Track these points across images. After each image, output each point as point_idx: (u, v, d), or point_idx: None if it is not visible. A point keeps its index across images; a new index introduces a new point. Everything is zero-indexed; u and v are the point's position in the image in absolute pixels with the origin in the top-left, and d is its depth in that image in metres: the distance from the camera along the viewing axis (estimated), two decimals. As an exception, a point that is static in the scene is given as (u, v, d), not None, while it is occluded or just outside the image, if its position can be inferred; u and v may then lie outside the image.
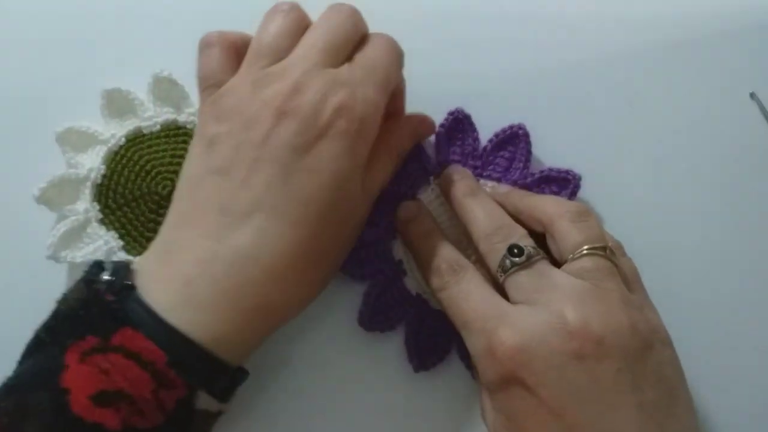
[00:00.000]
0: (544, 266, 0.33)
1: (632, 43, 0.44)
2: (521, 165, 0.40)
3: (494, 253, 0.34)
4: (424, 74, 0.43)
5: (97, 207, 0.41)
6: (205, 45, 0.36)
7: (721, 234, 0.41)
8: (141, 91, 0.42)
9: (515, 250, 0.33)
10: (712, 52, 0.43)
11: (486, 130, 0.42)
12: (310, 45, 0.33)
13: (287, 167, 0.31)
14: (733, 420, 0.39)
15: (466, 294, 0.33)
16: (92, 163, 0.41)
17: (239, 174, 0.31)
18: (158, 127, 0.42)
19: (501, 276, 0.33)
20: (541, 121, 0.41)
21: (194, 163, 0.33)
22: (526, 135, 0.40)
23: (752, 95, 0.42)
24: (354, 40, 0.34)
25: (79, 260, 0.40)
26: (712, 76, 0.43)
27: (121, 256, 0.40)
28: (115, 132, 0.42)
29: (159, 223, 0.40)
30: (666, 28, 0.44)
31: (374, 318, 0.39)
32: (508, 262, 0.33)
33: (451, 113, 0.41)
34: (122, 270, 0.31)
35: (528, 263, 0.33)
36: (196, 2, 0.45)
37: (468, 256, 0.40)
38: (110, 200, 0.41)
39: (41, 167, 0.41)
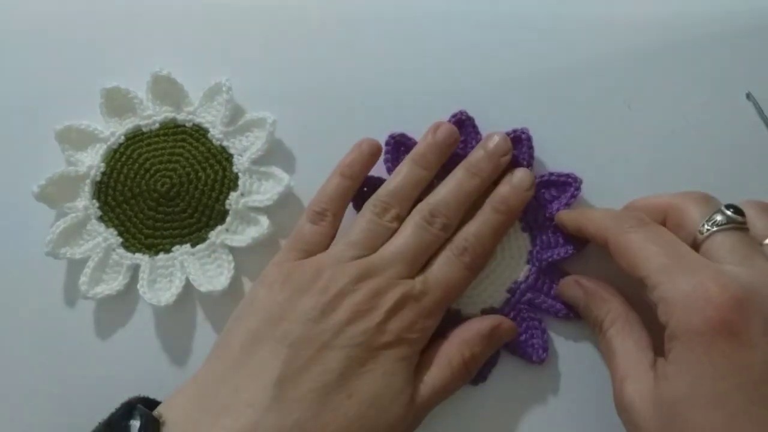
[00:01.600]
0: (749, 235, 0.32)
1: (629, 45, 0.44)
2: None
3: (701, 206, 0.33)
4: (426, 78, 0.44)
5: (97, 204, 0.41)
6: (317, 213, 0.38)
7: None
8: (140, 90, 0.42)
9: (732, 210, 0.32)
10: (709, 53, 0.44)
11: (485, 133, 0.42)
12: (397, 252, 0.36)
13: (349, 362, 0.32)
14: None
15: (657, 237, 0.32)
16: (92, 160, 0.42)
17: (305, 353, 0.32)
18: (157, 125, 0.42)
19: (707, 230, 0.32)
20: (539, 124, 0.41)
21: (257, 318, 0.34)
22: (529, 139, 0.41)
23: (748, 96, 0.43)
24: (434, 249, 0.37)
25: (78, 257, 0.40)
26: (709, 77, 0.43)
27: (121, 252, 0.40)
28: (115, 130, 0.42)
29: (158, 220, 0.41)
30: (662, 30, 0.44)
31: None
32: (721, 218, 0.32)
33: (454, 115, 0.41)
34: (152, 423, 0.31)
35: (742, 226, 0.32)
36: (196, 1, 0.45)
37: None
38: (110, 197, 0.41)
39: (40, 165, 0.41)
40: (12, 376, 0.40)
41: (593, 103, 0.43)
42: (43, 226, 0.40)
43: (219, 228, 0.41)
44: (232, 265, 0.40)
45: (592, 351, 0.39)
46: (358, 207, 0.40)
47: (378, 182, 0.41)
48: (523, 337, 0.39)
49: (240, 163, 0.41)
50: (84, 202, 0.41)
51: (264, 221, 0.40)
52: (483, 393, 0.39)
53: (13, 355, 0.41)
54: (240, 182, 0.41)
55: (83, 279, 0.39)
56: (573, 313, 0.39)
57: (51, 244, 0.39)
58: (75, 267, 0.41)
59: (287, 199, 0.41)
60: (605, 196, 0.41)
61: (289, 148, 0.42)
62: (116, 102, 0.42)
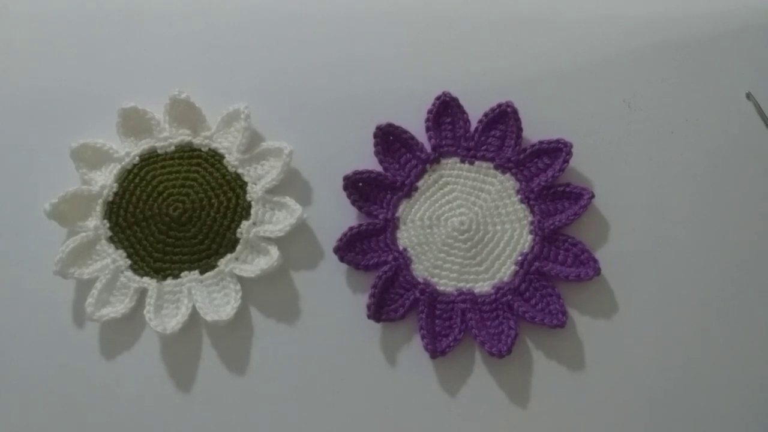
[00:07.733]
0: None
1: (630, 44, 0.43)
2: (513, 142, 0.40)
3: None
4: (423, 78, 0.43)
5: (108, 224, 0.41)
6: None
7: (717, 231, 0.41)
8: (158, 112, 0.42)
9: None
10: (709, 53, 0.43)
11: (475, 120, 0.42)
12: None
13: None
14: (732, 416, 0.39)
15: None
16: (105, 180, 0.41)
17: None
18: (173, 148, 0.42)
19: None
20: (539, 123, 0.41)
21: None
22: (515, 112, 0.40)
23: (748, 95, 0.42)
24: None
25: (86, 277, 0.40)
26: (709, 76, 0.43)
27: (128, 275, 0.40)
28: (130, 150, 0.42)
29: (167, 245, 0.40)
30: (663, 29, 0.44)
31: (383, 309, 0.39)
32: None
33: (438, 98, 0.41)
34: None
35: None
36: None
37: (471, 238, 0.40)
38: (120, 218, 0.41)
39: (54, 182, 0.41)
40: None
41: (593, 102, 0.43)
42: (53, 245, 0.40)
43: (229, 256, 0.40)
44: (240, 294, 0.39)
45: (605, 314, 0.39)
46: (355, 203, 0.40)
47: (372, 176, 0.41)
48: (539, 306, 0.39)
49: (254, 191, 0.41)
50: (95, 222, 0.41)
51: (274, 252, 0.39)
52: (507, 365, 0.39)
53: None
54: (252, 211, 0.40)
55: (90, 300, 0.39)
56: (583, 274, 0.38)
57: (60, 264, 0.39)
58: (83, 287, 0.40)
59: (300, 230, 0.40)
60: (605, 195, 0.41)
61: (305, 179, 0.42)
62: (133, 122, 0.42)
